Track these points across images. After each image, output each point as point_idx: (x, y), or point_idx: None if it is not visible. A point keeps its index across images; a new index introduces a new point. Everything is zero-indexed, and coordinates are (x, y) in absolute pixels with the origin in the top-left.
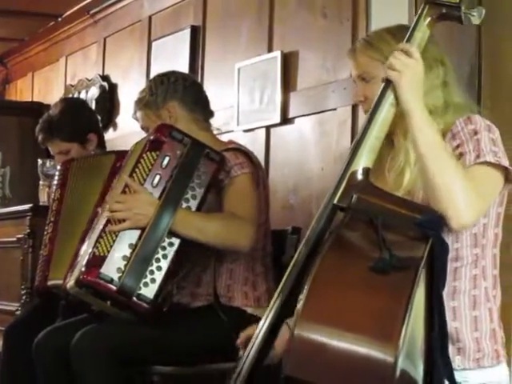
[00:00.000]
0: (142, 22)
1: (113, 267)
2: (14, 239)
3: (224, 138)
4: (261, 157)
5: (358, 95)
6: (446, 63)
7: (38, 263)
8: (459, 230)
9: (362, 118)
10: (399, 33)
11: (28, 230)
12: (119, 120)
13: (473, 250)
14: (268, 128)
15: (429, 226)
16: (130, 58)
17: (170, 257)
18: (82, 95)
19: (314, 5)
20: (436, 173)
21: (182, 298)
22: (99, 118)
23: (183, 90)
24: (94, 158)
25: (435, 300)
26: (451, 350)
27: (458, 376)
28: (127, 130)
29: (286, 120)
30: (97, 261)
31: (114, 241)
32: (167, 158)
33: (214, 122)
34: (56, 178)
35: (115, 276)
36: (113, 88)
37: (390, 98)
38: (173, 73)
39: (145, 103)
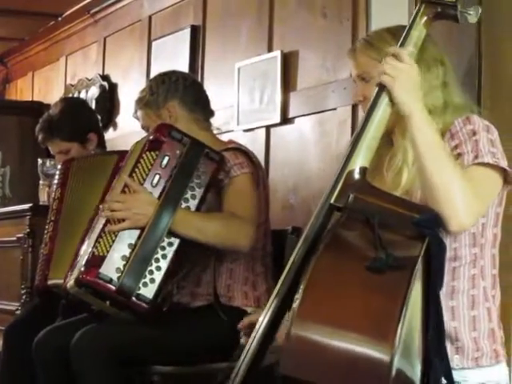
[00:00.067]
0: (142, 22)
1: (112, 267)
2: (14, 239)
3: (224, 137)
4: (261, 157)
5: (358, 95)
6: (446, 63)
7: (37, 262)
8: (457, 232)
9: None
10: (399, 33)
11: (28, 230)
12: (119, 120)
13: (471, 249)
14: (268, 128)
15: (426, 225)
16: (130, 58)
17: (169, 257)
18: (82, 95)
19: (314, 4)
20: (434, 173)
21: (181, 297)
22: (99, 117)
23: (183, 90)
24: (96, 157)
25: (432, 299)
26: (450, 349)
27: (457, 375)
28: (127, 130)
29: (285, 120)
30: (96, 261)
31: (113, 241)
32: (167, 158)
33: (214, 121)
34: (56, 177)
35: (114, 276)
36: (113, 88)
37: (384, 100)
38: (173, 72)
39: (145, 102)
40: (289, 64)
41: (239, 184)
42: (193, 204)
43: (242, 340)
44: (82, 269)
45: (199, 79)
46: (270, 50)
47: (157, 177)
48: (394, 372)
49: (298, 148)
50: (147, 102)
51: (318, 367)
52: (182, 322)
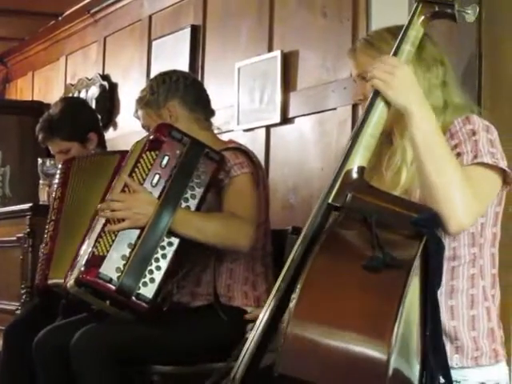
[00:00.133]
0: (142, 22)
1: (112, 267)
2: (14, 238)
3: (224, 137)
4: (261, 156)
5: (358, 94)
6: (446, 63)
7: (38, 262)
8: (456, 232)
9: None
10: (399, 32)
11: (28, 230)
12: (119, 119)
13: (470, 249)
14: (268, 127)
15: (424, 225)
16: (130, 58)
17: (169, 256)
18: (82, 94)
19: (314, 4)
20: (433, 172)
21: (181, 297)
22: (99, 117)
23: (184, 89)
24: (97, 157)
25: (430, 298)
26: (450, 348)
27: (457, 374)
28: (127, 130)
29: (285, 120)
30: (96, 260)
31: (113, 240)
32: (166, 158)
33: (214, 121)
34: (57, 176)
35: (114, 276)
36: (113, 87)
37: (381, 101)
38: (174, 72)
39: (146, 102)
40: (289, 64)
41: (239, 184)
42: (193, 204)
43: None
44: (82, 268)
45: (199, 79)
46: (270, 49)
47: (157, 176)
48: (390, 371)
49: (298, 148)
50: (148, 101)
51: (315, 366)
52: (182, 321)
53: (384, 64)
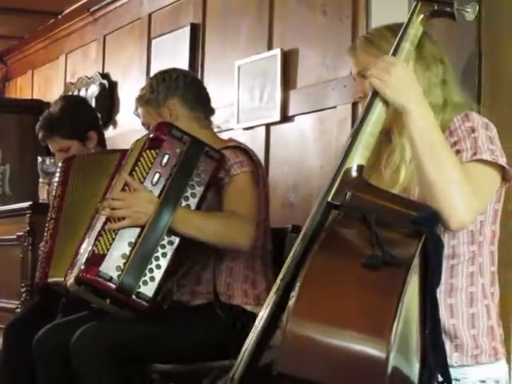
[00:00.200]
0: (142, 20)
1: (112, 265)
2: (14, 237)
3: (224, 135)
4: (261, 155)
5: (358, 92)
6: (446, 62)
7: (38, 260)
8: (456, 230)
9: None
10: (399, 30)
11: (28, 228)
12: (119, 118)
13: (469, 247)
14: (268, 126)
15: (423, 223)
16: (129, 56)
17: (169, 255)
18: (82, 93)
19: (314, 2)
20: (432, 172)
21: (181, 295)
22: (99, 115)
23: (184, 88)
24: (97, 156)
25: (429, 297)
26: (449, 347)
27: (456, 373)
28: (127, 128)
29: (285, 118)
30: (96, 259)
31: (113, 239)
32: (167, 156)
33: (214, 119)
34: (57, 174)
35: (114, 274)
36: (112, 86)
37: (380, 99)
38: (174, 70)
39: (146, 100)
40: (289, 62)
41: (239, 183)
42: (193, 202)
43: None
44: (82, 267)
45: (199, 77)
46: (269, 48)
47: (157, 175)
48: (389, 369)
49: (297, 146)
50: (148, 99)
51: (314, 365)
52: (182, 320)
53: (382, 62)
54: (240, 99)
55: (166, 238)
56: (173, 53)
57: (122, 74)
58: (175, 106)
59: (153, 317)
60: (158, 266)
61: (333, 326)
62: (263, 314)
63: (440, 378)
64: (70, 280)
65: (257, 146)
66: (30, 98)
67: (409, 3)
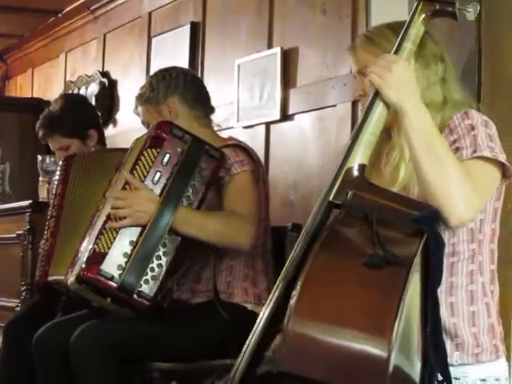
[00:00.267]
0: (142, 19)
1: (113, 264)
2: (14, 235)
3: (224, 134)
4: (260, 153)
5: (357, 90)
6: (446, 60)
7: (37, 258)
8: (457, 227)
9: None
10: (399, 28)
11: (28, 227)
12: (119, 116)
13: (469, 245)
14: (268, 124)
15: (425, 222)
16: (129, 55)
17: (170, 254)
18: (82, 91)
19: (314, 1)
20: (430, 172)
21: (181, 294)
22: (99, 114)
23: (184, 86)
24: (98, 154)
25: (430, 296)
26: (450, 345)
27: (457, 371)
28: (127, 127)
29: (285, 116)
30: (97, 257)
31: (114, 238)
32: (168, 155)
33: (214, 118)
34: (58, 173)
35: (116, 273)
36: (112, 84)
37: (382, 101)
38: (174, 68)
39: (145, 99)
40: (289, 61)
41: (240, 182)
42: (193, 201)
43: None
44: (83, 265)
45: (199, 76)
46: (269, 46)
47: (158, 174)
48: (391, 368)
49: (297, 145)
50: (147, 98)
51: (315, 364)
52: (182, 318)
53: (383, 60)
54: (240, 98)
55: (167, 237)
56: (173, 51)
57: (122, 72)
58: (175, 104)
59: (153, 315)
60: (160, 265)
61: (334, 324)
62: (264, 314)
63: (440, 377)
64: (71, 278)
65: (257, 144)
66: (30, 96)
67: (409, 2)
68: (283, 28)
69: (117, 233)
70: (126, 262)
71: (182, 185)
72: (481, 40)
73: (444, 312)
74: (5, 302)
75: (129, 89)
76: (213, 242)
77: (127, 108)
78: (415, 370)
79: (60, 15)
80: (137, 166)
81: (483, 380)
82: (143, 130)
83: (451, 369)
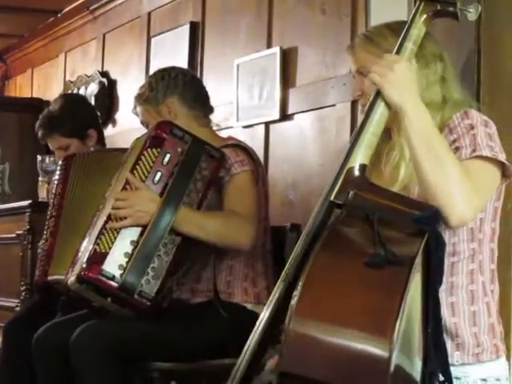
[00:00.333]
0: (142, 18)
1: (114, 264)
2: (14, 235)
3: (223, 134)
4: (260, 153)
5: (356, 90)
6: (445, 59)
7: (37, 258)
8: (457, 226)
9: (361, 113)
10: (398, 28)
11: (27, 227)
12: (118, 116)
13: (469, 244)
14: (267, 124)
15: (426, 222)
16: (129, 54)
17: (171, 254)
18: (82, 91)
19: (313, 1)
20: (430, 172)
21: (181, 293)
22: (98, 114)
23: (183, 86)
24: (97, 154)
25: (431, 296)
26: (450, 345)
27: (457, 371)
28: (126, 127)
29: (285, 116)
30: (98, 257)
31: (115, 237)
32: (168, 155)
33: (213, 118)
34: (57, 173)
35: (117, 273)
36: (112, 84)
37: (383, 101)
38: (173, 68)
39: (145, 98)
40: (288, 60)
41: (240, 182)
42: (194, 201)
43: None
44: (84, 265)
45: (198, 76)
46: (269, 46)
47: (158, 174)
48: (392, 368)
49: (297, 144)
50: (147, 98)
51: (317, 364)
52: (182, 318)
53: (385, 60)
54: (239, 97)
55: (167, 236)
56: (172, 51)
57: (122, 72)
58: (174, 104)
59: (153, 315)
60: (160, 265)
61: (335, 324)
62: (265, 314)
63: (441, 378)
64: (72, 278)
65: (256, 144)
66: (29, 96)
67: (408, 2)
68: (282, 28)
69: (118, 233)
70: (127, 262)
71: (183, 185)
72: (480, 39)
73: (445, 312)
74: (4, 302)
75: (128, 89)
76: (213, 241)
77: (127, 108)
78: (416, 369)
79: (59, 15)
80: (137, 166)
81: (484, 380)
82: (143, 130)
83: (452, 369)
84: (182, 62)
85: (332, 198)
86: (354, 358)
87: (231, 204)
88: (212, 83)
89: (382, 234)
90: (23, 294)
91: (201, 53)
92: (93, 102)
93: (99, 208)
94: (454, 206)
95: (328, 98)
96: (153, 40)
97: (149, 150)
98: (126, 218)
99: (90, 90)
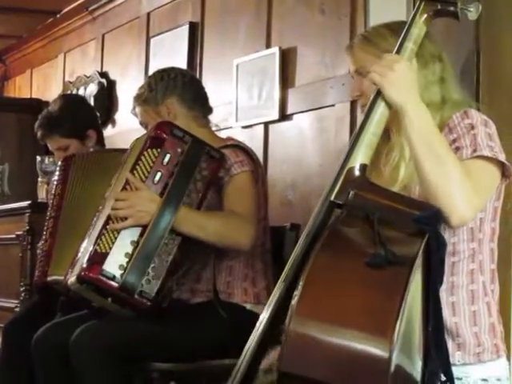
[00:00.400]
0: (141, 19)
1: (115, 264)
2: (13, 236)
3: (222, 134)
4: (259, 153)
5: (355, 90)
6: (444, 59)
7: (36, 258)
8: (457, 226)
9: (360, 113)
10: (397, 28)
11: (27, 227)
12: (118, 117)
13: (469, 244)
14: (266, 124)
15: (426, 222)
16: (128, 55)
17: (171, 254)
18: (81, 92)
19: (312, 1)
20: (431, 172)
21: (181, 293)
22: (98, 114)
23: (182, 87)
24: (97, 154)
25: (432, 295)
26: (451, 345)
27: (458, 371)
28: (126, 127)
29: (284, 116)
30: (98, 257)
31: (115, 238)
32: (168, 156)
33: (213, 118)
34: (57, 173)
35: (117, 273)
36: (111, 85)
37: (383, 102)
38: (172, 69)
39: (144, 99)
40: (287, 60)
41: (240, 182)
42: (194, 202)
43: None
44: (85, 265)
45: (197, 76)
46: (268, 46)
47: (158, 174)
48: (392, 368)
49: (296, 144)
50: (146, 98)
51: (317, 364)
52: (182, 318)
53: (385, 60)
54: (238, 98)
55: (168, 236)
56: (171, 51)
57: (121, 72)
58: (173, 104)
59: (153, 315)
60: (161, 265)
61: (335, 324)
62: (265, 315)
63: (443, 378)
64: (72, 278)
65: (255, 144)
66: (28, 97)
67: (407, 2)
68: (281, 28)
69: (118, 233)
70: (128, 262)
71: (183, 185)
72: (479, 39)
73: (445, 311)
74: (4, 303)
75: (127, 89)
76: (213, 241)
77: (126, 108)
78: (416, 369)
79: (58, 16)
80: (137, 166)
81: (485, 380)
82: (142, 131)
83: (453, 369)
84: (181, 63)
85: (332, 197)
86: (354, 358)
87: (231, 204)
88: (211, 83)
89: (383, 234)
90: (23, 294)
91: (200, 53)
92: (92, 103)
93: (99, 209)
94: (455, 205)
95: (327, 98)
96: (152, 40)
97: (149, 150)
98: (126, 218)
99: (90, 91)
